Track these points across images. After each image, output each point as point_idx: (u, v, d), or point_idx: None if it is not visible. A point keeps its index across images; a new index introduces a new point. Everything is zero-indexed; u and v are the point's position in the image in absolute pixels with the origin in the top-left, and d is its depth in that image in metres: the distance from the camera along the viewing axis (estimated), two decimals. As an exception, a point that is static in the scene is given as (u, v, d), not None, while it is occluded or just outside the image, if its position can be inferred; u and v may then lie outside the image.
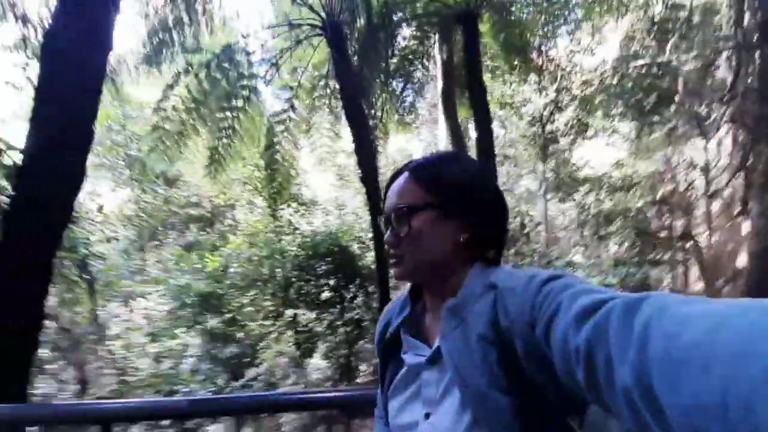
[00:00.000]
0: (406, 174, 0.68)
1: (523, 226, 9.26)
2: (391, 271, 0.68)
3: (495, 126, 8.11)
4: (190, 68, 5.68)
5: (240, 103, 6.40)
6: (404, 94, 8.09)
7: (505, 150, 11.38)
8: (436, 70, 7.30)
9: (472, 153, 6.15)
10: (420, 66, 7.72)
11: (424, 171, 0.67)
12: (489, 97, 6.63)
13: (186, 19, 5.44)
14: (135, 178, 9.04)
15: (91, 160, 2.85)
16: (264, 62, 6.50)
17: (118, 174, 9.22)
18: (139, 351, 6.50)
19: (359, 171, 5.70)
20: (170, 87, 5.81)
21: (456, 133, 7.28)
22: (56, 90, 2.27)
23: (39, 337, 2.21)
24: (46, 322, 3.35)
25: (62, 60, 2.30)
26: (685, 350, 0.32)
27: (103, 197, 8.51)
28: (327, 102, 7.40)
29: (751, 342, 0.29)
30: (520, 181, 12.05)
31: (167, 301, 6.94)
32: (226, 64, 5.87)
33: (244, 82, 6.28)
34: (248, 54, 6.17)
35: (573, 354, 0.42)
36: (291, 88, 6.98)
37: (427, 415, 0.62)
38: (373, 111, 6.85)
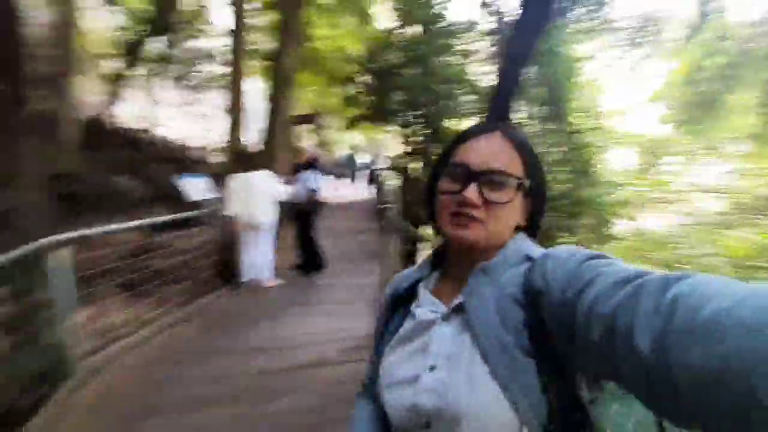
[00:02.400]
0: (504, 138, 0.64)
1: None
2: (455, 231, 0.62)
3: None
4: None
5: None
6: None
7: None
8: None
9: None
10: None
11: (525, 146, 0.64)
12: None
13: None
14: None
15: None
16: None
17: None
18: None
19: None
20: (703, 58, 5.26)
21: None
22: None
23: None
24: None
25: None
26: (704, 322, 0.33)
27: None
28: None
29: (766, 317, 0.30)
30: None
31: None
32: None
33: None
34: None
35: (598, 318, 0.43)
36: None
37: (432, 368, 0.59)
38: None
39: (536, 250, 0.62)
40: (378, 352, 0.71)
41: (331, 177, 11.33)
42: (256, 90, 10.58)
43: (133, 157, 7.76)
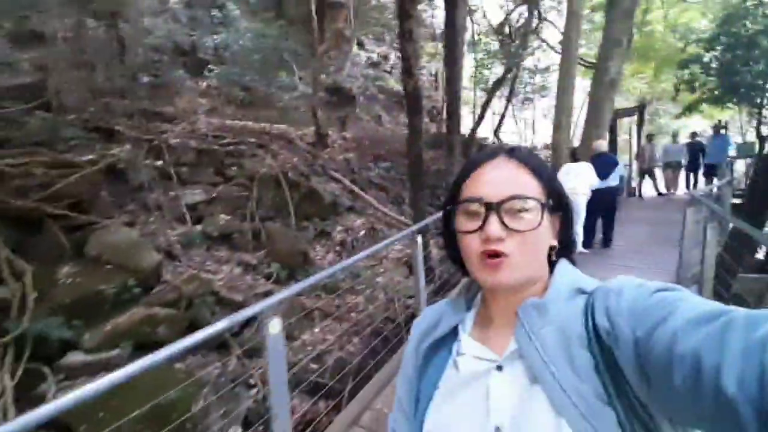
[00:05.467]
0: (510, 160, 0.60)
1: None
2: (488, 276, 0.56)
3: None
4: None
5: None
6: None
7: None
8: None
9: None
10: None
11: (533, 162, 0.60)
12: None
13: None
14: None
15: None
16: None
17: None
18: None
19: None
20: None
21: None
22: None
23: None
24: None
25: None
26: None
27: None
28: None
29: None
30: None
31: None
32: None
33: None
34: None
35: (678, 356, 0.40)
36: None
37: (498, 430, 0.53)
38: None
39: (587, 281, 0.58)
40: (416, 409, 0.62)
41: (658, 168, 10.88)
42: (582, 91, 11.80)
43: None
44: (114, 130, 4.87)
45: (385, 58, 15.66)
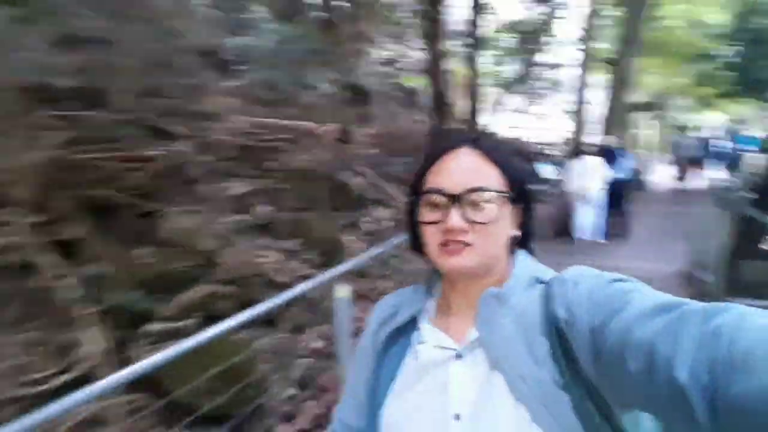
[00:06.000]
0: (472, 151, 0.61)
1: None
2: (448, 260, 0.58)
3: None
4: None
5: None
6: None
7: None
8: None
9: None
10: None
11: (497, 153, 0.61)
12: None
13: None
14: None
15: None
16: None
17: None
18: None
19: None
20: None
21: None
22: None
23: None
24: None
25: None
26: (744, 354, 0.34)
27: None
28: None
29: None
30: None
31: None
32: None
33: None
34: None
35: (633, 345, 0.42)
36: None
37: (458, 417, 0.54)
38: None
39: (545, 270, 0.62)
40: (373, 398, 0.63)
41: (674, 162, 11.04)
42: (596, 88, 11.95)
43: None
44: (162, 129, 5.28)
45: (399, 55, 15.92)
